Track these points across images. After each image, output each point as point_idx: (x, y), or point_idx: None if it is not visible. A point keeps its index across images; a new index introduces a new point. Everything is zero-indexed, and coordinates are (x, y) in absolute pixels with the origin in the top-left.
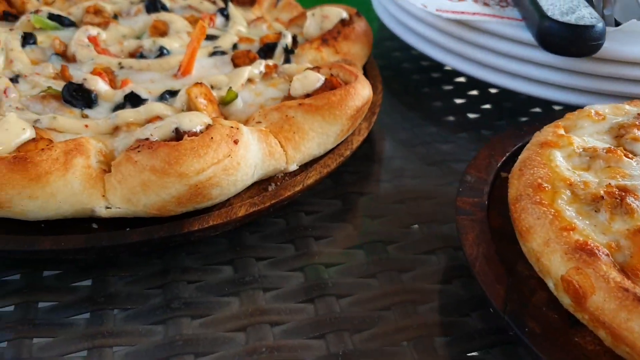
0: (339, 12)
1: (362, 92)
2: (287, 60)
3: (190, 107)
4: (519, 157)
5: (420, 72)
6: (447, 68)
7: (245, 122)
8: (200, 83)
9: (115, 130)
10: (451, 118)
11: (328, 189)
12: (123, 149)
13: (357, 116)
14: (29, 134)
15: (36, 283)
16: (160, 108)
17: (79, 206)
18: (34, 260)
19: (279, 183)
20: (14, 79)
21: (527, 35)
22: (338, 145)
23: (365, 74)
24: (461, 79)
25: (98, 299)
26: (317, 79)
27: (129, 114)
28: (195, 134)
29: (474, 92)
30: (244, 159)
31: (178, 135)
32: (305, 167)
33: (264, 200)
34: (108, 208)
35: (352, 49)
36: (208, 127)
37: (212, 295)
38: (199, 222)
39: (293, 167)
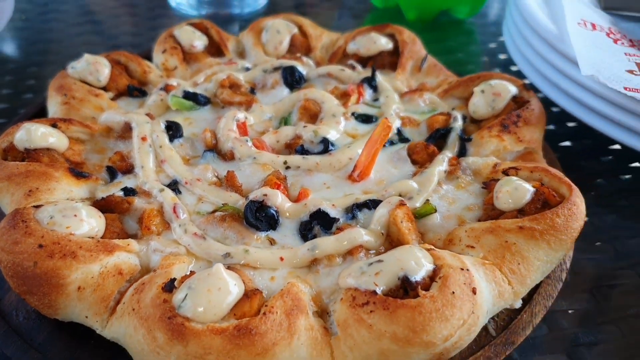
0: (510, 89)
1: (582, 207)
2: (462, 149)
3: (390, 230)
4: None
5: (571, 138)
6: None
7: (449, 242)
8: (403, 203)
9: (313, 262)
10: (625, 203)
11: None
12: (332, 289)
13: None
14: (239, 289)
15: None
16: (361, 237)
17: None
18: None
19: (495, 318)
20: (174, 188)
21: None
22: None
23: None
24: (616, 147)
25: None
26: (527, 191)
27: (329, 245)
28: (425, 283)
29: (636, 164)
30: (481, 309)
31: (407, 284)
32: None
33: (498, 352)
34: None
35: (534, 135)
36: (434, 271)
37: None
38: None
39: (518, 304)
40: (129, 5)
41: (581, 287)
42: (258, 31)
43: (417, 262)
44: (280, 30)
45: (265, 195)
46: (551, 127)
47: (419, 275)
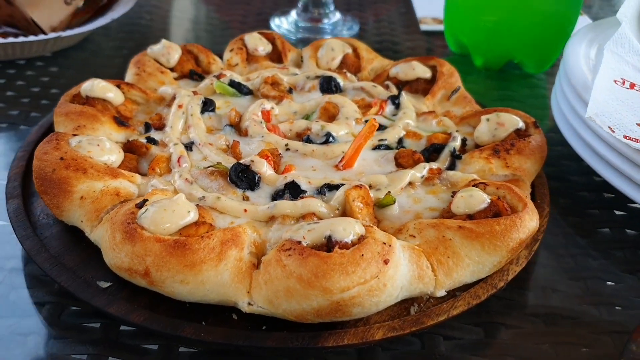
0: (516, 122)
1: (529, 224)
2: (452, 165)
3: (345, 207)
4: None
5: (591, 190)
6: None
7: (398, 231)
8: (360, 185)
9: (271, 219)
10: (620, 254)
11: (471, 313)
12: (275, 241)
13: (518, 248)
14: (192, 216)
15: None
16: (316, 206)
17: (224, 297)
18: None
19: (422, 304)
20: (188, 146)
21: None
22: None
23: (533, 190)
24: (636, 205)
25: None
26: (482, 200)
27: (286, 207)
28: (346, 245)
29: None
30: (391, 280)
31: (330, 242)
32: (452, 291)
33: (404, 326)
34: (250, 305)
35: (524, 165)
36: (361, 238)
37: None
38: (334, 338)
39: (441, 293)
40: (240, 22)
41: (536, 311)
42: (317, 47)
43: (345, 228)
44: (335, 48)
45: (252, 161)
46: (577, 179)
47: (342, 238)
